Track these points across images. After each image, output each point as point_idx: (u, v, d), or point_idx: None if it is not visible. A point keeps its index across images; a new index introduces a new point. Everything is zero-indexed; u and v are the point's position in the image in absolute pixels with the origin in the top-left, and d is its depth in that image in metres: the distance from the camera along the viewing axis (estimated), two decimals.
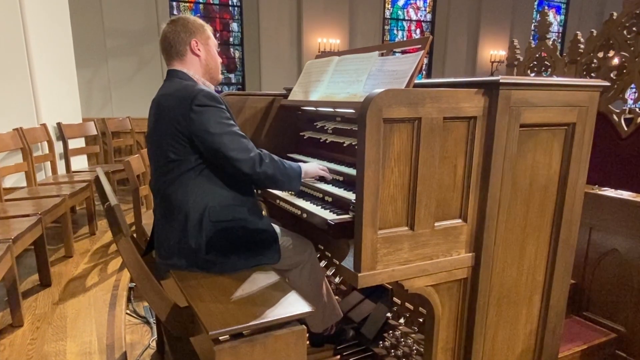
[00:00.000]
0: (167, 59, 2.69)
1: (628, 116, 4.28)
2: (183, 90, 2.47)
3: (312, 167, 2.81)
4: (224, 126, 2.42)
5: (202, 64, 2.71)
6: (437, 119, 1.95)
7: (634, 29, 4.09)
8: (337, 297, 3.29)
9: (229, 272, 2.50)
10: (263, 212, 2.72)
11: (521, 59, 5.29)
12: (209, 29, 2.76)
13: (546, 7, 17.02)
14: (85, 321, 3.29)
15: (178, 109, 2.41)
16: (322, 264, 3.52)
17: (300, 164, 2.75)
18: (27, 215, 3.64)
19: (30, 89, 5.42)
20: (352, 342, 3.17)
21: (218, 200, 2.52)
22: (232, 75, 13.50)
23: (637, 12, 4.04)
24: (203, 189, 2.51)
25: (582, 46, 4.53)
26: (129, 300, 4.10)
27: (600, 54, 4.39)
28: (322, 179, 2.83)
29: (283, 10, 13.08)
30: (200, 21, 2.73)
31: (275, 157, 2.58)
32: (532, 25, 16.62)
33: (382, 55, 2.80)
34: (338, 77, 2.98)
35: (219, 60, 2.83)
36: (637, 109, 4.11)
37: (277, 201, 2.91)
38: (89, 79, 10.92)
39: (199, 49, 2.67)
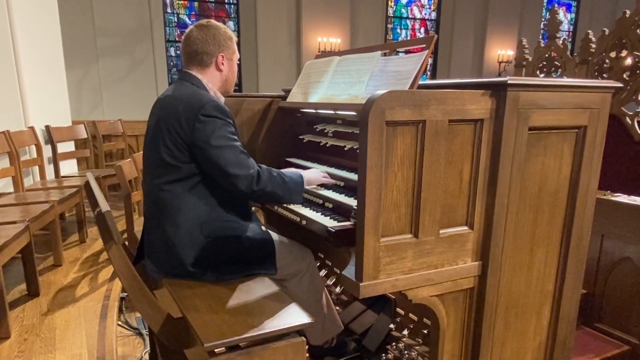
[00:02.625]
0: (186, 61, 2.71)
1: None
2: (193, 97, 2.49)
3: (314, 174, 2.82)
4: (227, 140, 2.44)
5: (222, 78, 2.76)
6: (442, 122, 1.95)
7: None
8: (338, 308, 3.29)
9: (223, 281, 2.51)
10: (262, 227, 2.72)
11: (530, 59, 5.31)
12: (235, 41, 2.80)
13: (556, 5, 17.08)
14: (75, 333, 3.29)
15: (184, 115, 2.43)
16: (322, 273, 3.52)
17: (301, 171, 2.75)
18: (14, 222, 3.63)
19: (18, 90, 5.43)
20: (353, 354, 3.17)
21: (212, 213, 2.53)
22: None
23: None
24: (196, 200, 2.51)
25: (593, 45, 4.55)
26: (120, 310, 4.10)
27: (613, 54, 4.41)
28: (323, 185, 2.84)
29: (281, 8, 13.11)
30: (230, 33, 2.76)
31: (274, 172, 2.57)
32: (542, 24, 16.66)
33: (384, 55, 2.80)
34: (339, 78, 2.99)
35: (236, 73, 2.87)
36: None
37: (276, 207, 2.92)
38: (79, 80, 10.96)
39: (223, 64, 2.71)
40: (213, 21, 2.74)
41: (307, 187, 2.74)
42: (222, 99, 2.75)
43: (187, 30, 2.72)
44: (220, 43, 2.68)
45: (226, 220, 2.56)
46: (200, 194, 2.52)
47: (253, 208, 2.85)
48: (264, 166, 2.56)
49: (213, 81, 2.72)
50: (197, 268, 2.50)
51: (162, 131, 2.50)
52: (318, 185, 2.84)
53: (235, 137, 2.50)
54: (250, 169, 2.45)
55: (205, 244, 2.50)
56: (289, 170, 2.74)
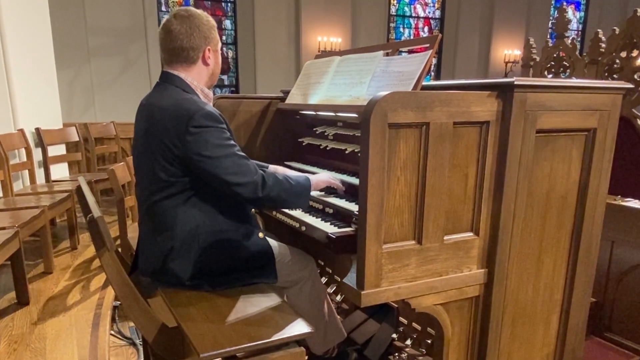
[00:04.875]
0: (169, 60, 2.57)
1: None
2: (180, 106, 2.38)
3: (322, 177, 2.77)
4: (223, 148, 2.36)
5: (209, 73, 2.64)
6: (446, 124, 1.96)
7: None
8: (338, 317, 3.29)
9: (220, 290, 2.51)
10: (260, 234, 2.69)
11: (537, 59, 5.31)
12: (216, 28, 2.66)
13: (565, 3, 17.04)
14: (66, 343, 3.28)
15: (172, 128, 2.35)
16: (323, 280, 3.52)
17: (309, 175, 2.72)
18: (3, 228, 3.63)
19: (7, 92, 5.42)
20: None
21: (210, 225, 2.50)
22: (225, 77, 13.54)
23: None
24: (194, 213, 2.48)
25: (603, 45, 4.55)
26: (113, 320, 4.09)
27: (623, 54, 4.41)
28: (330, 190, 2.80)
29: (280, 7, 13.13)
30: (212, 20, 2.62)
31: (280, 175, 2.51)
32: (550, 22, 16.69)
33: (387, 55, 2.81)
34: (339, 79, 2.99)
35: (221, 62, 2.75)
36: None
37: (274, 213, 2.92)
38: (70, 81, 10.96)
39: (209, 57, 2.59)
40: (192, 9, 2.58)
41: (315, 189, 2.68)
42: (210, 95, 2.68)
43: (164, 22, 2.53)
44: (206, 35, 2.54)
45: (223, 229, 2.53)
46: (196, 205, 2.48)
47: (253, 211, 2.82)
48: (268, 169, 2.53)
49: (199, 78, 2.60)
50: (194, 281, 2.48)
51: (152, 147, 2.43)
52: (324, 187, 2.79)
53: (231, 142, 2.43)
54: (253, 174, 2.39)
55: (202, 255, 2.47)
56: (294, 174, 2.73)
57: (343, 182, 2.81)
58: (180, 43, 2.50)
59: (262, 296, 2.45)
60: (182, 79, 2.55)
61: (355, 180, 2.73)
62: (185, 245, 2.46)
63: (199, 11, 2.59)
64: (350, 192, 2.74)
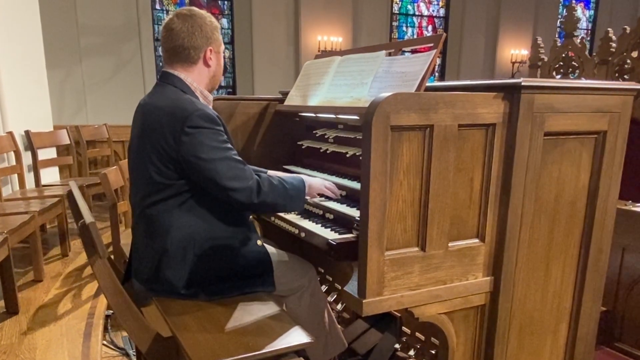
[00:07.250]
0: (169, 60, 2.60)
1: None
2: (177, 106, 2.40)
3: (316, 182, 2.77)
4: (219, 151, 2.37)
5: (210, 75, 2.66)
6: (451, 127, 1.96)
7: None
8: (339, 326, 3.29)
9: (216, 299, 2.51)
10: (258, 241, 2.69)
11: (546, 59, 5.32)
12: (219, 30, 2.69)
13: (574, 1, 17.11)
14: (57, 353, 3.28)
15: (168, 128, 2.36)
16: (323, 288, 3.52)
17: (303, 177, 2.72)
18: None
19: None
20: None
21: (205, 231, 2.50)
22: (221, 78, 13.51)
23: None
24: (188, 218, 2.48)
25: (614, 45, 4.56)
26: (105, 329, 4.08)
27: (635, 54, 4.42)
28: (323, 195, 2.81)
29: (279, 5, 13.14)
30: (215, 21, 2.65)
31: (275, 180, 2.52)
32: (558, 21, 16.69)
33: (389, 55, 2.81)
34: (340, 80, 2.99)
35: (223, 65, 2.78)
36: None
37: (273, 219, 2.92)
38: (61, 82, 10.94)
39: (211, 59, 2.62)
40: (195, 9, 2.61)
41: (308, 193, 2.69)
42: (210, 97, 2.70)
43: (166, 21, 2.57)
44: (208, 35, 2.57)
45: (219, 236, 2.53)
46: (192, 210, 2.48)
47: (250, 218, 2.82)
48: (263, 174, 2.53)
49: (199, 79, 2.62)
50: (189, 289, 2.48)
51: (146, 147, 2.44)
52: (318, 194, 2.80)
53: (228, 145, 2.44)
54: (248, 180, 2.40)
55: (197, 262, 2.48)
56: (289, 176, 2.73)
57: (344, 187, 2.81)
58: (182, 42, 2.53)
59: (260, 305, 2.45)
60: (182, 80, 2.57)
61: (356, 185, 2.73)
62: (179, 252, 2.46)
63: (203, 11, 2.62)
64: (351, 197, 2.75)
